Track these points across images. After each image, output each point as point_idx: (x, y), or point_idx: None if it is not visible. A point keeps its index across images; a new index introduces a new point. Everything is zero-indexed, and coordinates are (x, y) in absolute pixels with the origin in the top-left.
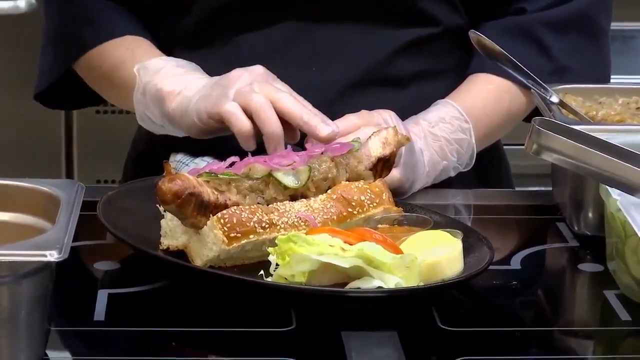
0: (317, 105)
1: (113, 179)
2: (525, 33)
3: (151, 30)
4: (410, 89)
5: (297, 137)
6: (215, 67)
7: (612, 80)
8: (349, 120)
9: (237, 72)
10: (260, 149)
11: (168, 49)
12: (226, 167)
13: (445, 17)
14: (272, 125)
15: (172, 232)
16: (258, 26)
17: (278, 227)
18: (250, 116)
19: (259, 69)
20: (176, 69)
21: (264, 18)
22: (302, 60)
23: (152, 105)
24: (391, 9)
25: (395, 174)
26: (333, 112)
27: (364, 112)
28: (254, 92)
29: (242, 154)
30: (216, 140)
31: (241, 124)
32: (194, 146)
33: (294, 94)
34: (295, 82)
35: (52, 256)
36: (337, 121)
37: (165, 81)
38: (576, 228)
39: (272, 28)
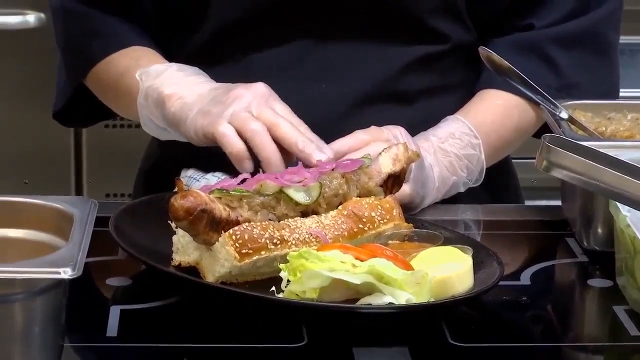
0: (326, 120)
1: (122, 192)
2: (533, 49)
3: (160, 45)
4: (419, 105)
5: (294, 161)
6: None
7: (620, 95)
8: (357, 137)
9: (237, 91)
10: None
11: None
12: (238, 184)
13: (454, 33)
14: (267, 151)
15: (184, 249)
16: (269, 43)
17: (289, 243)
18: (245, 139)
19: (260, 88)
20: (177, 73)
21: (275, 35)
22: (312, 76)
23: (154, 108)
24: (400, 25)
25: (405, 189)
26: (342, 127)
27: (373, 128)
28: (251, 118)
29: (254, 170)
30: (226, 157)
31: (233, 147)
32: (205, 162)
33: (293, 117)
34: (305, 98)
35: (66, 273)
36: (346, 137)
37: (165, 84)
38: (585, 244)
39: (283, 44)
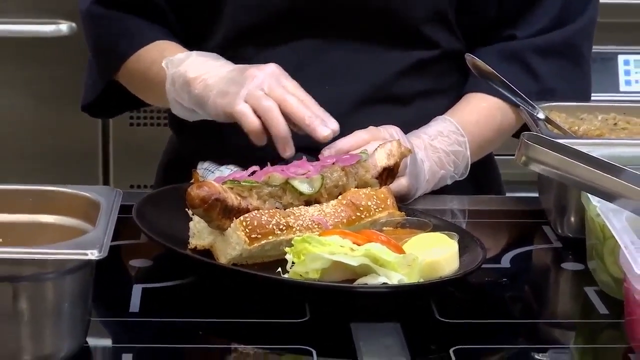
0: None
1: (145, 184)
2: (515, 57)
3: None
4: (412, 106)
5: (303, 133)
6: None
7: (591, 98)
8: (358, 136)
9: (251, 71)
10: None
11: None
12: (248, 176)
13: (444, 41)
14: (279, 127)
15: (199, 233)
16: (278, 47)
17: (294, 229)
18: (259, 115)
19: (271, 67)
20: (198, 58)
21: (283, 40)
22: (316, 79)
23: (181, 91)
24: (396, 33)
25: (403, 182)
26: (343, 126)
27: (371, 127)
28: (263, 96)
29: (262, 164)
30: (238, 151)
31: (250, 124)
32: (219, 155)
33: (301, 93)
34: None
35: (93, 255)
36: (348, 137)
37: (189, 69)
38: (560, 231)
39: (290, 49)
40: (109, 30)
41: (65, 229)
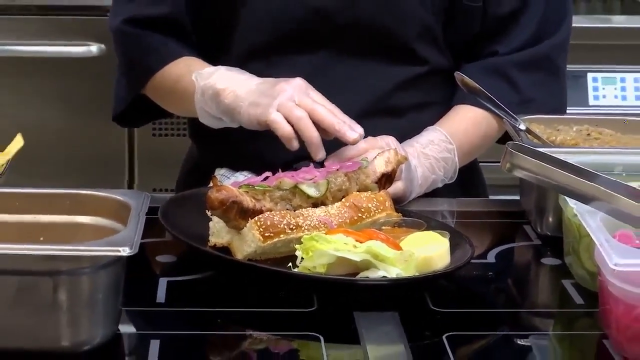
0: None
1: (166, 187)
2: (498, 72)
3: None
4: (406, 118)
5: (331, 138)
6: None
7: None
8: (359, 146)
9: (281, 85)
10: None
11: None
12: (261, 181)
13: (432, 58)
14: (312, 133)
15: (218, 232)
16: (284, 64)
17: (303, 228)
18: (291, 124)
19: (298, 81)
20: (226, 72)
21: (290, 57)
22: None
23: (210, 102)
24: (390, 49)
25: (400, 186)
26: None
27: (370, 138)
28: (295, 106)
29: (274, 170)
30: (251, 158)
31: (284, 130)
32: (234, 162)
33: (328, 103)
34: None
35: (125, 251)
36: (350, 147)
37: (218, 81)
38: (539, 230)
39: (295, 65)
40: (138, 47)
41: (99, 229)
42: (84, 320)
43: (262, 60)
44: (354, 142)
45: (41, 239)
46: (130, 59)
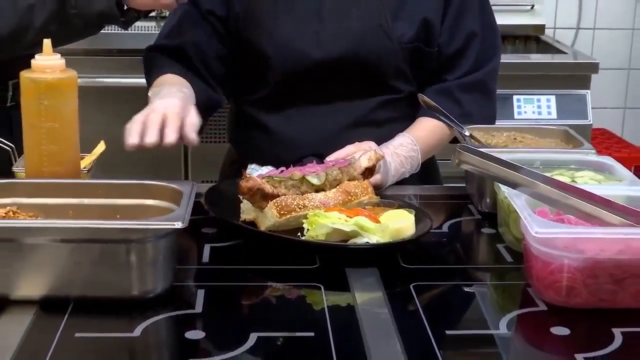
0: (327, 138)
1: (211, 179)
2: (447, 93)
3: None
4: (384, 128)
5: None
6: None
7: (496, 122)
8: (348, 148)
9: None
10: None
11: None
12: (279, 173)
13: (404, 87)
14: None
15: (246, 210)
16: (304, 93)
17: (308, 207)
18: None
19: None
20: (160, 95)
21: (305, 86)
22: (323, 111)
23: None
24: (374, 84)
25: (378, 177)
26: (337, 142)
27: (356, 142)
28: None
29: (288, 165)
30: (272, 157)
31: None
32: (260, 159)
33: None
34: (318, 124)
35: (179, 225)
36: (342, 149)
37: (152, 95)
38: (479, 208)
39: (309, 92)
40: (149, 62)
41: (161, 209)
42: (149, 276)
43: (285, 88)
44: (129, 147)
45: (117, 217)
46: (145, 70)
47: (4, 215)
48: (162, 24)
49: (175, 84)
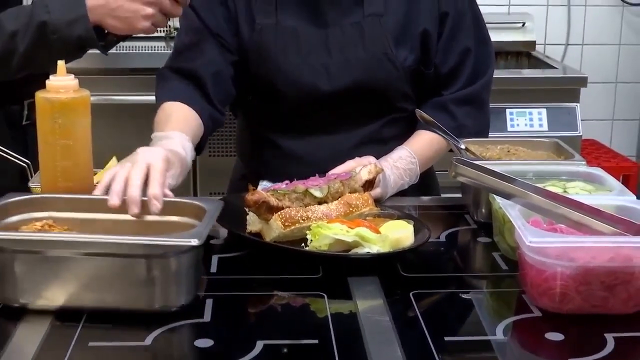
0: (335, 155)
1: (218, 191)
2: (443, 107)
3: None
4: (389, 145)
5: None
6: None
7: (489, 135)
8: (348, 163)
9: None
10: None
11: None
12: (283, 186)
13: (407, 107)
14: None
15: (253, 222)
16: (317, 115)
17: (311, 219)
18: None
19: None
20: (153, 144)
21: (318, 111)
22: (335, 131)
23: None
24: (380, 105)
25: (378, 190)
26: (346, 159)
27: (357, 158)
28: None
29: (292, 179)
30: (277, 172)
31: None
32: (267, 174)
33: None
34: (330, 142)
35: (195, 242)
36: (344, 165)
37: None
38: (475, 218)
39: (323, 115)
40: (162, 81)
41: (185, 225)
42: (172, 288)
43: (296, 115)
44: (112, 205)
45: (146, 233)
46: (155, 92)
47: (39, 228)
48: (172, 44)
49: (169, 129)
